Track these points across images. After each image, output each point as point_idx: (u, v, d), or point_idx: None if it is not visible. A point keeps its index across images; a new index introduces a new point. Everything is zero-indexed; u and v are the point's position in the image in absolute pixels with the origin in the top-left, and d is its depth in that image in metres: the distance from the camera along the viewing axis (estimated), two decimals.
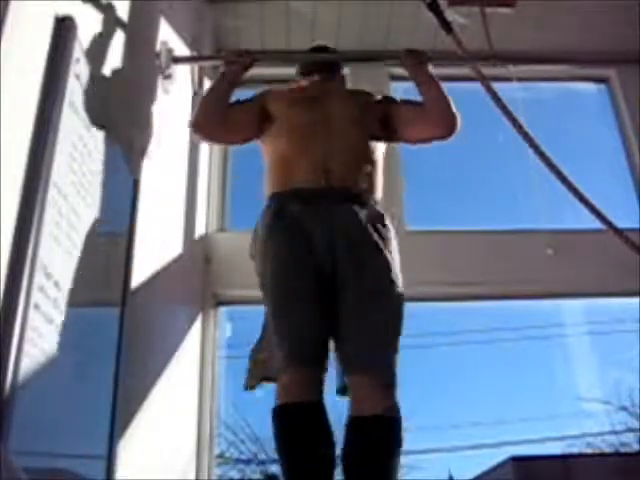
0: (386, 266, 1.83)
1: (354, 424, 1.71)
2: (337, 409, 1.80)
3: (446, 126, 2.11)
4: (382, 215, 1.94)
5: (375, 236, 1.86)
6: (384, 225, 1.92)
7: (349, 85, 3.81)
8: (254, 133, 2.13)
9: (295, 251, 1.83)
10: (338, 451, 1.72)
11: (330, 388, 1.82)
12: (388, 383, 1.72)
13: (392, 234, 1.93)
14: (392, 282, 1.83)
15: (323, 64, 2.32)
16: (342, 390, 1.83)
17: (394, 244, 1.91)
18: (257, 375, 1.86)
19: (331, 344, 1.82)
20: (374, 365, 1.72)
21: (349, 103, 2.13)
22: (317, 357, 1.76)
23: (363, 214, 1.88)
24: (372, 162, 2.02)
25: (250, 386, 1.87)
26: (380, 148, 2.09)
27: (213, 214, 3.40)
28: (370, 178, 1.98)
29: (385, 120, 2.13)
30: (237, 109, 2.15)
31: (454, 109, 2.12)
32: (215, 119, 2.12)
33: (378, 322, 1.77)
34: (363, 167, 1.98)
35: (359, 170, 1.97)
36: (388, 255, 1.85)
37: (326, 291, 1.80)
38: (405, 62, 2.30)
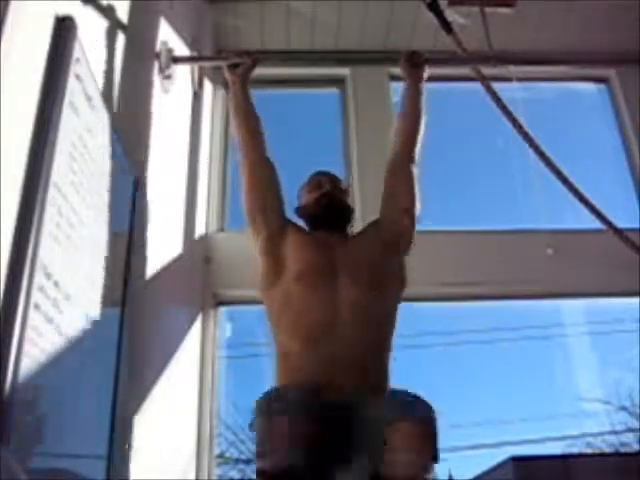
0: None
1: None
2: None
3: (411, 134, 2.08)
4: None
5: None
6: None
7: (349, 86, 3.84)
8: (265, 193, 1.99)
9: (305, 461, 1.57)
10: None
11: None
12: None
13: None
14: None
15: (332, 219, 2.03)
16: None
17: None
18: None
19: None
20: None
21: (361, 272, 1.87)
22: None
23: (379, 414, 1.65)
24: (385, 357, 1.82)
25: None
26: (396, 318, 1.88)
27: (213, 214, 3.40)
28: (381, 380, 1.79)
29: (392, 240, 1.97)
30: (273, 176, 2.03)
31: (422, 127, 2.10)
32: (245, 120, 2.10)
33: None
34: (380, 366, 1.80)
35: (376, 372, 1.78)
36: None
37: None
38: (404, 63, 2.31)
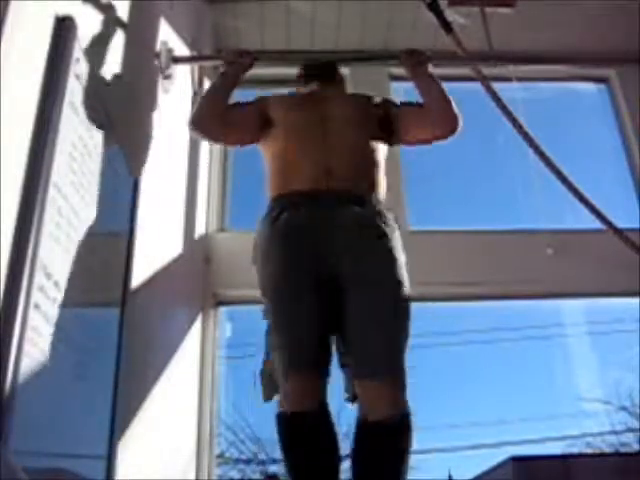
0: (390, 267, 1.81)
1: (363, 429, 1.70)
2: (343, 412, 1.79)
3: (446, 126, 2.09)
4: (383, 213, 1.91)
5: (377, 235, 1.84)
6: (387, 223, 1.89)
7: (349, 87, 3.84)
8: (252, 136, 2.12)
9: (294, 255, 1.81)
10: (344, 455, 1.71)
11: (338, 394, 1.80)
12: (398, 386, 1.70)
13: (396, 232, 1.91)
14: (398, 283, 1.80)
15: (322, 69, 2.29)
16: (352, 398, 1.79)
17: (398, 242, 1.89)
18: (270, 386, 1.81)
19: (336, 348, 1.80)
20: (381, 368, 1.70)
21: (348, 105, 2.13)
22: (318, 362, 1.74)
23: (364, 214, 1.86)
24: (373, 162, 1.99)
25: (267, 398, 1.83)
26: (382, 149, 2.07)
27: (213, 214, 3.40)
28: (371, 178, 1.96)
29: (385, 122, 2.11)
30: (237, 110, 2.14)
31: (455, 109, 2.10)
32: (214, 118, 2.11)
33: (384, 325, 1.74)
34: (364, 167, 1.97)
35: (360, 170, 1.95)
36: (393, 255, 1.83)
37: (329, 294, 1.78)
38: (405, 62, 2.30)
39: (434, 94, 2.15)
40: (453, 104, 2.11)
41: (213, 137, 2.29)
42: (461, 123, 2.10)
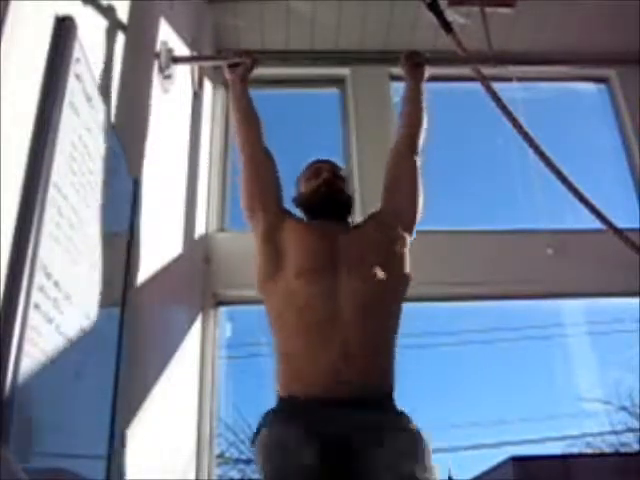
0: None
1: None
2: None
3: (411, 137, 2.07)
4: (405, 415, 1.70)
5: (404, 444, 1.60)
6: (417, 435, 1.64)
7: (349, 86, 3.84)
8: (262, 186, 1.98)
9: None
10: None
11: None
12: None
13: (425, 442, 1.63)
14: None
15: (332, 209, 1.99)
16: None
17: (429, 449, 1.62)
18: None
19: None
20: None
21: (363, 264, 1.82)
22: None
23: (385, 420, 1.65)
24: (391, 350, 1.78)
25: None
26: (399, 316, 1.84)
27: (213, 214, 3.40)
28: (388, 373, 1.75)
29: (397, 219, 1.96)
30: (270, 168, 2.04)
31: (422, 137, 2.09)
32: (244, 117, 2.12)
33: None
34: (384, 363, 1.75)
35: (380, 369, 1.73)
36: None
37: None
38: (404, 63, 2.31)
39: (419, 102, 2.15)
40: (424, 127, 2.11)
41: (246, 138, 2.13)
42: (422, 147, 2.08)
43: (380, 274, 1.80)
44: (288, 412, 1.68)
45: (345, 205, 2.01)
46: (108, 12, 1.83)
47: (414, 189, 2.00)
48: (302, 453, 1.54)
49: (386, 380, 1.74)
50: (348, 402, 1.62)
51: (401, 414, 1.69)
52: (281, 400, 1.73)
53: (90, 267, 1.54)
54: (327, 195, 1.97)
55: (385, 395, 1.72)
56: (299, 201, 2.04)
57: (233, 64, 2.31)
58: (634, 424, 4.41)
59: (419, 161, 2.05)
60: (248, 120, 2.12)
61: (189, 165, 2.90)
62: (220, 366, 3.14)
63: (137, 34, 2.13)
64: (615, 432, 4.22)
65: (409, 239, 1.95)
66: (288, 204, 2.04)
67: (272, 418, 1.70)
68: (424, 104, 2.16)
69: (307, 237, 1.90)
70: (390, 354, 1.77)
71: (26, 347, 1.14)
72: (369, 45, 3.70)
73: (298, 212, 2.04)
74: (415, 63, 2.29)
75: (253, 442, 1.69)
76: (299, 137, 3.87)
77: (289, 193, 2.07)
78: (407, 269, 1.90)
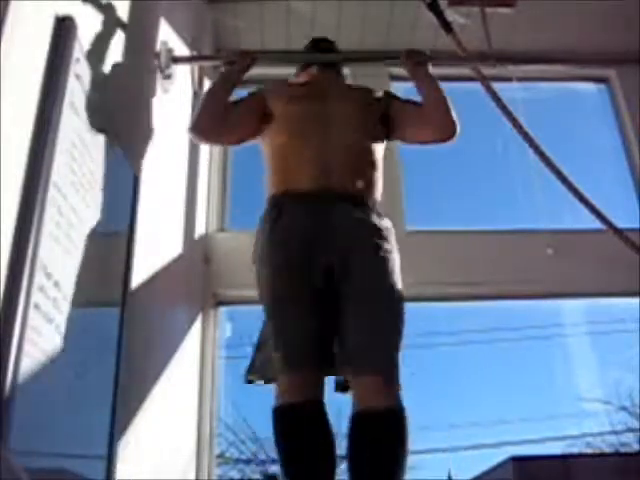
0: (385, 266, 1.83)
1: (358, 421, 1.71)
2: (338, 406, 1.81)
3: (445, 130, 2.09)
4: (380, 214, 1.93)
5: (374, 236, 1.86)
6: (383, 225, 1.91)
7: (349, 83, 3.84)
8: (253, 132, 2.11)
9: (292, 254, 1.82)
10: (339, 450, 1.72)
11: (329, 386, 1.82)
12: (393, 381, 1.72)
13: (392, 234, 1.92)
14: (392, 282, 1.83)
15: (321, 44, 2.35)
16: (341, 387, 1.83)
17: (394, 244, 1.91)
18: (258, 372, 1.88)
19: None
20: (376, 363, 1.72)
21: (349, 101, 2.11)
22: (314, 358, 1.75)
23: (361, 214, 1.88)
24: (372, 163, 2.00)
25: (249, 380, 1.90)
26: (380, 149, 2.06)
27: (213, 214, 3.40)
28: (369, 179, 1.96)
29: (385, 118, 2.12)
30: (237, 109, 2.13)
31: (453, 115, 2.09)
32: (216, 120, 2.10)
33: (379, 321, 1.77)
34: (362, 168, 1.97)
35: (358, 171, 1.95)
36: (388, 255, 1.85)
37: (325, 291, 1.80)
38: (405, 62, 2.30)
39: (433, 97, 2.14)
40: (452, 108, 2.10)
41: (213, 140, 2.33)
42: (459, 129, 2.09)
43: (365, 111, 2.08)
44: (276, 210, 1.89)
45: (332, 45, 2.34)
46: (108, 12, 1.83)
47: (424, 139, 2.16)
48: (296, 247, 1.81)
49: (367, 182, 1.94)
50: (331, 195, 1.86)
51: (376, 213, 1.92)
52: (269, 198, 1.95)
53: (90, 267, 1.54)
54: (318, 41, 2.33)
55: (364, 192, 1.92)
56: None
57: (231, 62, 2.31)
58: (634, 424, 4.42)
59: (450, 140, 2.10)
60: (217, 113, 2.11)
61: (189, 165, 2.90)
62: (220, 366, 3.13)
63: (137, 34, 2.13)
64: (615, 432, 4.23)
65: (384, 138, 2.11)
66: None
67: (262, 218, 1.93)
68: (441, 90, 2.15)
69: (299, 84, 2.23)
70: (372, 168, 1.98)
71: (26, 347, 1.14)
72: (369, 45, 3.69)
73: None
74: (416, 62, 2.27)
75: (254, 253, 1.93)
76: None
77: None
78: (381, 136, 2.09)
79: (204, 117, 2.12)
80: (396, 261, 1.88)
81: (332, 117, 2.01)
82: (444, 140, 2.10)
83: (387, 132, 2.12)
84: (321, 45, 2.38)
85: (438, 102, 2.12)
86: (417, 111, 2.14)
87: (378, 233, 1.87)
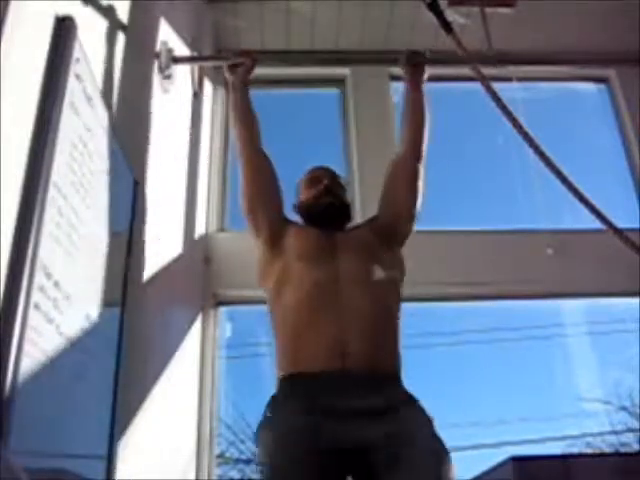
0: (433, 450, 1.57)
1: None
2: None
3: (413, 147, 2.03)
4: (412, 397, 1.68)
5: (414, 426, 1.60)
6: (419, 407, 1.66)
7: (349, 86, 3.84)
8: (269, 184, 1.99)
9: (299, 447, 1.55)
10: None
11: None
12: None
13: (427, 412, 1.66)
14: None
15: (332, 217, 1.99)
16: None
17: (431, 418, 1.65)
18: None
19: None
20: None
21: (360, 254, 1.85)
22: None
23: (391, 400, 1.62)
24: (393, 327, 1.77)
25: None
26: (399, 303, 1.83)
27: (213, 214, 3.40)
28: (393, 349, 1.74)
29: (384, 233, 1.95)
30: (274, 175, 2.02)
31: (425, 141, 2.05)
32: (243, 119, 2.10)
33: None
34: (385, 339, 1.73)
35: (379, 343, 1.70)
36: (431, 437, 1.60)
37: None
38: (404, 64, 2.30)
39: (421, 103, 2.13)
40: (425, 135, 2.06)
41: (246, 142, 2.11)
42: (423, 160, 2.02)
43: (376, 262, 1.82)
44: (290, 396, 1.65)
45: (345, 215, 2.02)
46: (108, 12, 1.84)
47: (412, 198, 1.98)
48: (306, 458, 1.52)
49: (390, 359, 1.71)
50: (349, 380, 1.60)
51: (409, 394, 1.68)
52: (282, 380, 1.71)
53: (90, 267, 1.55)
54: (327, 204, 1.98)
55: (389, 372, 1.69)
56: (299, 209, 2.05)
57: (233, 65, 2.31)
58: (634, 424, 4.41)
59: (422, 167, 2.02)
60: (247, 122, 2.10)
61: (189, 165, 2.90)
62: (220, 366, 3.14)
63: (137, 34, 2.13)
64: (615, 432, 4.22)
65: (401, 242, 1.97)
66: (287, 209, 2.04)
67: (272, 406, 1.67)
68: (425, 107, 2.13)
69: (308, 233, 1.94)
70: (393, 336, 1.75)
71: (26, 347, 1.14)
72: (369, 45, 3.69)
73: (297, 218, 2.05)
74: (415, 63, 2.27)
75: (257, 435, 1.66)
76: (299, 137, 3.88)
77: (288, 196, 2.07)
78: (401, 265, 1.92)
79: (236, 126, 2.11)
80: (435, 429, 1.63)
81: (344, 279, 1.77)
82: (411, 158, 2.02)
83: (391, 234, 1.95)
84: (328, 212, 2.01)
85: (419, 120, 2.09)
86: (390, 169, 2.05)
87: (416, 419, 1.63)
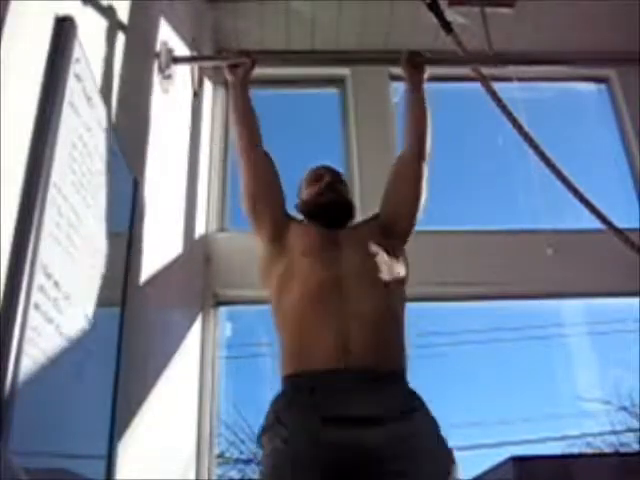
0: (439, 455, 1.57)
1: None
2: None
3: (416, 146, 2.02)
4: (416, 397, 1.67)
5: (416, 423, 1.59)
6: (423, 409, 1.65)
7: (349, 87, 3.84)
8: (268, 190, 1.98)
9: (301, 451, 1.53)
10: None
11: None
12: None
13: (431, 414, 1.65)
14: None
15: (334, 215, 1.99)
16: None
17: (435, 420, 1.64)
18: None
19: None
20: None
21: (363, 250, 1.84)
22: None
23: (392, 404, 1.59)
24: (397, 325, 1.76)
25: None
26: (404, 299, 1.84)
27: (213, 214, 3.40)
28: (397, 346, 1.73)
29: (393, 221, 1.96)
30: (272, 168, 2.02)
31: (428, 140, 2.04)
32: (244, 119, 2.09)
33: None
34: (388, 336, 1.72)
35: (384, 342, 1.69)
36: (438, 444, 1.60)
37: None
38: (404, 64, 2.30)
39: (422, 104, 2.12)
40: (429, 134, 2.05)
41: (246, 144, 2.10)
42: (427, 159, 2.02)
43: (380, 256, 1.82)
44: (292, 399, 1.63)
45: (347, 210, 2.02)
46: (108, 12, 1.83)
47: (414, 197, 1.97)
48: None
49: (394, 357, 1.70)
50: (350, 376, 1.59)
51: (413, 394, 1.66)
52: (282, 381, 1.70)
53: (90, 267, 1.55)
54: (329, 201, 1.98)
55: (392, 368, 1.67)
56: (301, 207, 2.05)
57: (233, 65, 2.31)
58: (634, 424, 4.42)
59: (426, 167, 2.01)
60: (247, 122, 2.10)
61: (189, 165, 2.90)
62: (220, 366, 3.13)
63: (137, 34, 2.13)
64: (615, 432, 4.23)
65: (403, 241, 1.97)
66: (288, 209, 2.04)
67: (275, 409, 1.64)
68: (427, 107, 2.12)
69: (311, 229, 1.94)
70: (397, 334, 1.74)
71: (26, 347, 1.14)
72: (369, 45, 3.69)
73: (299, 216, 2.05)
74: (415, 64, 2.27)
75: (259, 439, 1.64)
76: (299, 137, 3.88)
77: (289, 196, 2.07)
78: (405, 262, 1.91)
79: (237, 126, 2.11)
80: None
81: (348, 277, 1.76)
82: (414, 157, 2.01)
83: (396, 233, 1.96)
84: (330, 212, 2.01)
85: (420, 120, 2.08)
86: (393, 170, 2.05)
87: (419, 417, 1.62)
